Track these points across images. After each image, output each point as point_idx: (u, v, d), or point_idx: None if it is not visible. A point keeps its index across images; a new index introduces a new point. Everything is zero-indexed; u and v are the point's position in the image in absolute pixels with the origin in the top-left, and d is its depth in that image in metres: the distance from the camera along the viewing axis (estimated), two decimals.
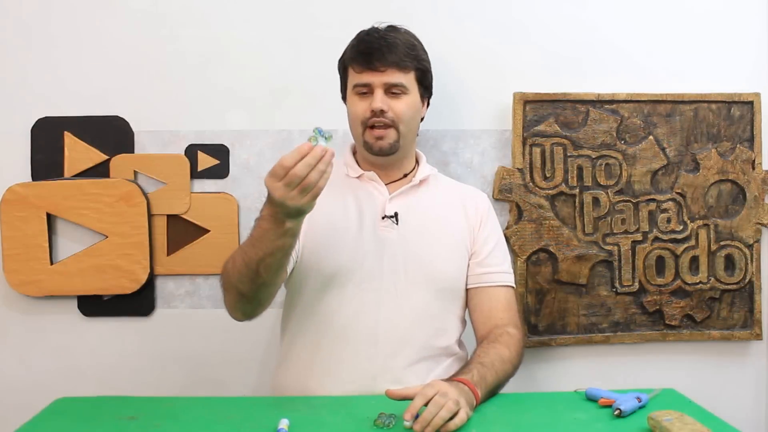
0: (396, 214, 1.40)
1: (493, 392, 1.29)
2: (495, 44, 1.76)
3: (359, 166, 1.46)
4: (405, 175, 1.46)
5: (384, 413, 1.14)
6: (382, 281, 1.37)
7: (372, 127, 1.38)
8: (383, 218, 1.40)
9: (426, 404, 1.10)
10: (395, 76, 1.37)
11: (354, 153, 1.49)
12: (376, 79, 1.36)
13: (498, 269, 1.45)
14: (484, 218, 1.48)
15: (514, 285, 1.47)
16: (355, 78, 1.39)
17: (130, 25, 1.72)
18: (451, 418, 1.10)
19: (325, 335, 1.39)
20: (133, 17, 1.72)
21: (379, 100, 1.36)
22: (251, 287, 1.24)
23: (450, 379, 1.22)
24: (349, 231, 1.39)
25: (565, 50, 1.76)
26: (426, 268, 1.39)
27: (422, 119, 1.49)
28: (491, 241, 1.46)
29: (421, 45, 1.44)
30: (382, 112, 1.36)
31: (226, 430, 1.15)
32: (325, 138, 1.13)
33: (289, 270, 1.35)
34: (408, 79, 1.38)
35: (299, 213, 1.15)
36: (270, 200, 1.14)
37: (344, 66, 1.43)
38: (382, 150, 1.39)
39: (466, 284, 1.44)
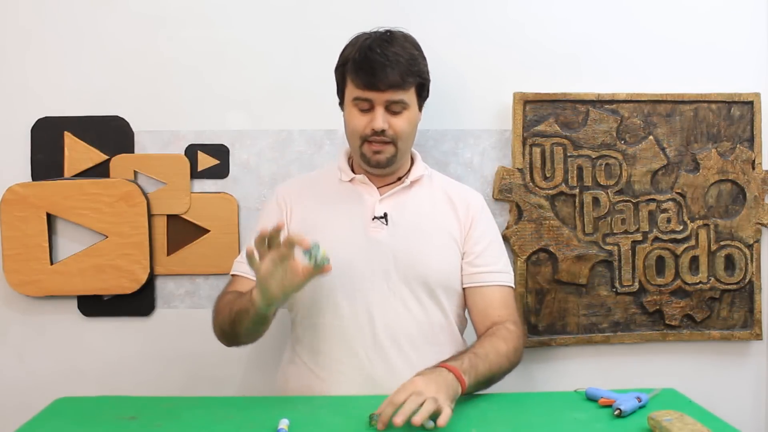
0: (385, 215, 1.41)
1: (485, 384, 1.28)
2: (495, 44, 1.76)
3: (352, 170, 1.47)
4: (399, 178, 1.47)
5: (375, 413, 1.14)
6: (374, 282, 1.38)
7: (371, 141, 1.38)
8: (373, 219, 1.40)
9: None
10: (397, 95, 1.36)
11: (348, 158, 1.49)
12: (378, 96, 1.35)
13: (490, 269, 1.44)
14: (476, 218, 1.46)
15: (510, 284, 1.46)
16: (355, 92, 1.37)
17: (130, 25, 1.72)
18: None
19: (323, 338, 1.40)
20: (133, 17, 1.72)
21: (381, 119, 1.36)
22: (231, 333, 1.37)
23: (435, 366, 1.21)
24: (339, 233, 1.40)
25: (565, 50, 1.76)
26: (416, 266, 1.39)
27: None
28: (483, 240, 1.45)
29: (421, 52, 1.42)
30: (383, 131, 1.36)
31: (226, 430, 1.15)
32: (315, 259, 1.18)
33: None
34: (408, 96, 1.38)
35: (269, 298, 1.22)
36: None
37: (343, 75, 1.41)
38: (380, 164, 1.40)
39: (462, 283, 1.44)
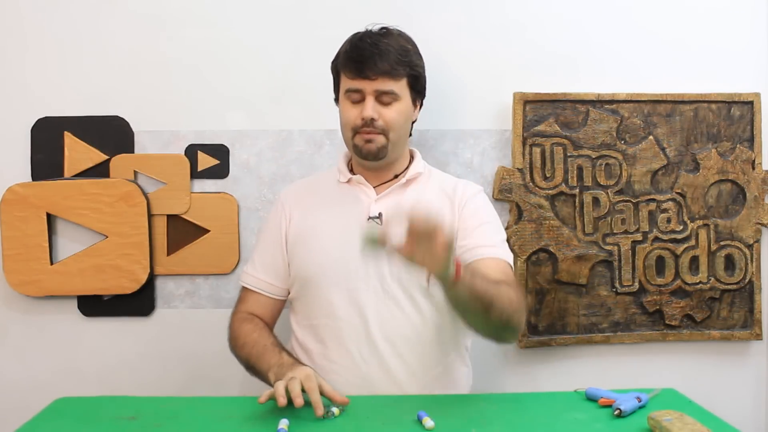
0: (380, 215, 1.40)
1: (480, 301, 1.20)
2: (495, 44, 1.76)
3: (351, 170, 1.47)
4: (396, 176, 1.46)
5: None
6: (369, 282, 1.38)
7: (362, 132, 1.38)
8: (368, 219, 1.40)
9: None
10: (386, 84, 1.36)
11: (347, 160, 1.50)
12: (367, 86, 1.36)
13: (482, 243, 1.38)
14: (469, 201, 1.43)
15: (508, 260, 1.39)
16: (347, 83, 1.39)
17: (130, 25, 1.72)
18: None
19: (319, 338, 1.40)
20: (133, 17, 1.72)
21: (370, 108, 1.36)
22: (245, 369, 1.43)
23: None
24: (334, 235, 1.40)
25: (565, 50, 1.76)
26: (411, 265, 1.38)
27: (414, 121, 1.48)
28: (474, 219, 1.41)
29: (415, 48, 1.42)
30: (372, 120, 1.36)
31: (226, 430, 1.15)
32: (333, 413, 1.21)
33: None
34: (399, 86, 1.38)
35: None
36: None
37: (336, 70, 1.43)
38: (371, 153, 1.39)
39: None
